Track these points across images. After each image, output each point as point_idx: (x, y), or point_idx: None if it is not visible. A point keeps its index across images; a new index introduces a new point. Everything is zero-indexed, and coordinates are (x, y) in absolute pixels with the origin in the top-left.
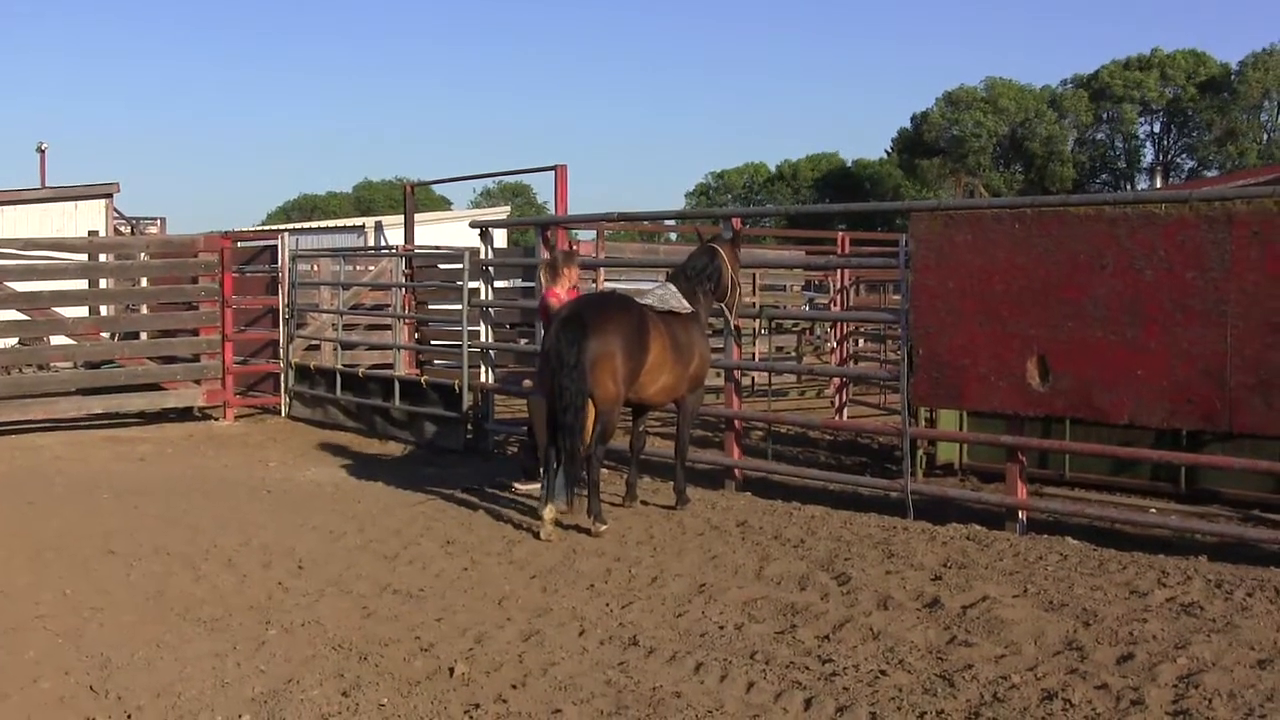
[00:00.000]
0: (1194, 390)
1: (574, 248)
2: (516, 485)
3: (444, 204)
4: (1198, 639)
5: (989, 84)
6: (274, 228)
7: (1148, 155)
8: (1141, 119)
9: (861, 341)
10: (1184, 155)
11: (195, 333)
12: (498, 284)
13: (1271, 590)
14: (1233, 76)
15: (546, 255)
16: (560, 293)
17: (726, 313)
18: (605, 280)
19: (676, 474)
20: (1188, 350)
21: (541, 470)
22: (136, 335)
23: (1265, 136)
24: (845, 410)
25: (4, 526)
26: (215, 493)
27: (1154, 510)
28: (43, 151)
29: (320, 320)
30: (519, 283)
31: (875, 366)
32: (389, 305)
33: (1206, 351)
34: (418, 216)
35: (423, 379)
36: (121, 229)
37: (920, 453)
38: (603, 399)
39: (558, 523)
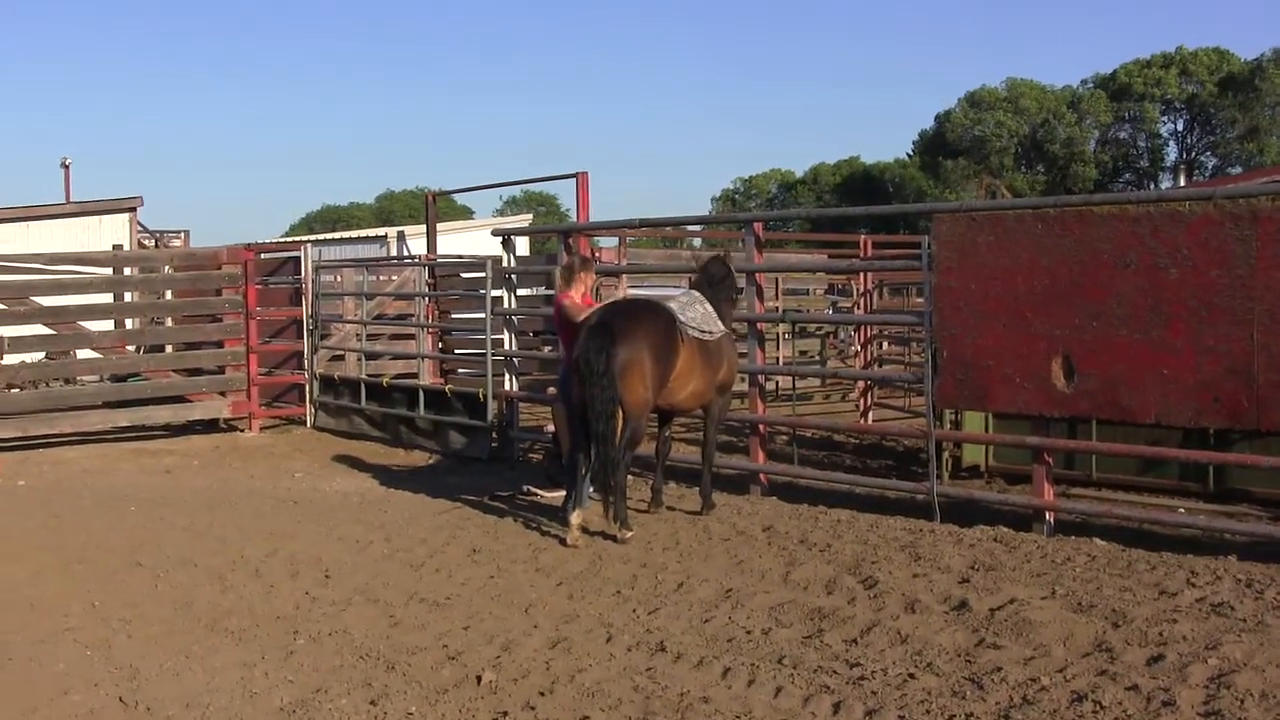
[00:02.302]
0: (1221, 388)
1: (596, 255)
2: (540, 492)
3: (466, 213)
4: (1228, 639)
5: (1010, 84)
6: (297, 239)
7: (1171, 154)
8: (1164, 117)
9: (885, 344)
10: (1207, 153)
11: (220, 345)
12: (521, 292)
13: None
14: (1254, 74)
15: (564, 259)
16: (575, 296)
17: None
18: (628, 287)
19: (703, 479)
20: (1214, 348)
21: (567, 477)
22: (162, 348)
23: None
24: (870, 413)
25: (32, 540)
26: (242, 504)
27: (1182, 510)
28: (67, 167)
29: (344, 331)
30: (542, 290)
31: (899, 369)
32: (412, 315)
33: (1233, 349)
34: (440, 226)
35: (447, 388)
36: (145, 242)
37: (946, 455)
38: (632, 406)
39: (584, 529)
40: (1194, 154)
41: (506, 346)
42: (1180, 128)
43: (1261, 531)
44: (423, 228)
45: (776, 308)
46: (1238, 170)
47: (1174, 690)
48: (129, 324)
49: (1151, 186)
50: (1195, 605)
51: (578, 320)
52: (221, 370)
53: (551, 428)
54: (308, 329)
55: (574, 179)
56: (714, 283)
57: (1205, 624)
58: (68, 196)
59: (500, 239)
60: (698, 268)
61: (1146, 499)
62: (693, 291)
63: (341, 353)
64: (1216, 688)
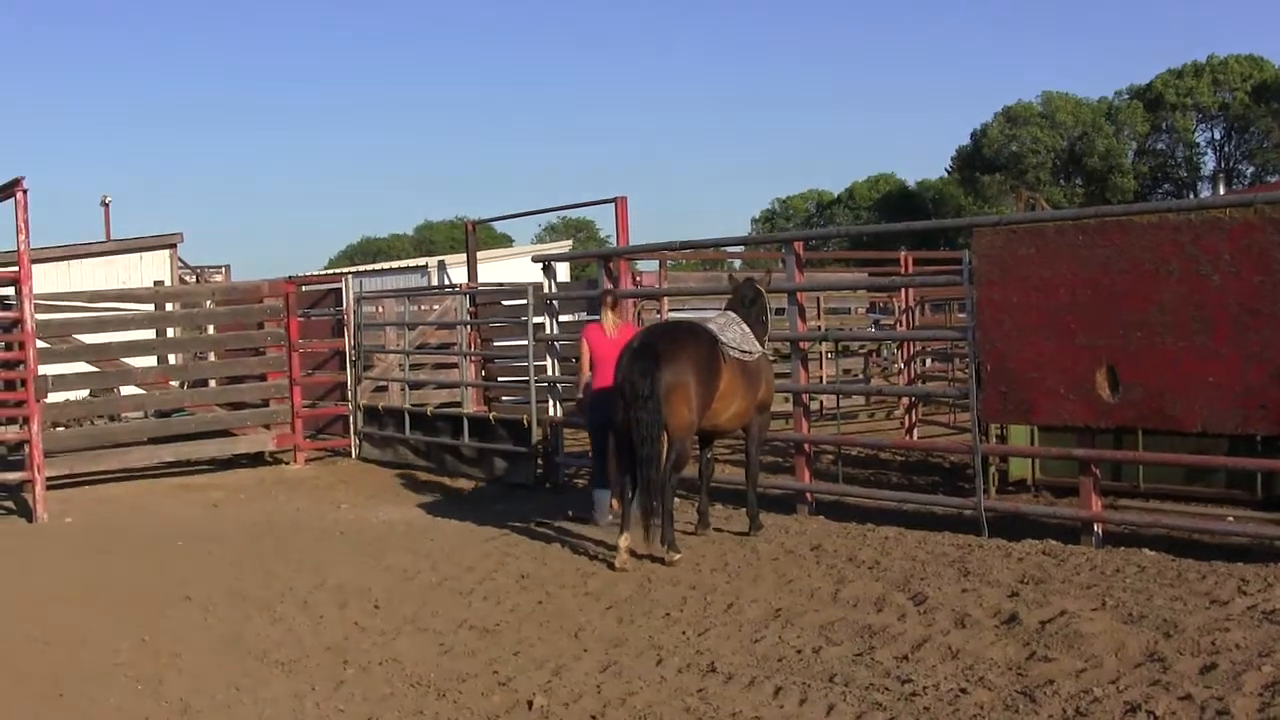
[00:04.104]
0: (1267, 394)
1: (637, 279)
2: (584, 516)
3: (506, 241)
4: None
5: (1045, 98)
6: (337, 271)
7: (1209, 163)
8: (1201, 126)
9: (929, 361)
10: (1244, 161)
11: (263, 378)
12: (562, 318)
13: None
14: None
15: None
16: (607, 325)
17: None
18: (669, 309)
19: (749, 499)
20: (1259, 354)
21: (617, 502)
22: (205, 382)
23: None
24: (915, 430)
25: (81, 577)
26: (288, 536)
27: (1231, 518)
28: (106, 205)
29: (387, 361)
30: (583, 316)
31: (943, 385)
32: (455, 343)
33: (1277, 355)
34: (480, 254)
35: (491, 415)
36: (186, 278)
37: (992, 470)
38: (677, 428)
39: (632, 552)
40: (1231, 162)
41: (549, 372)
42: (1217, 136)
43: None
44: (463, 257)
45: (819, 326)
46: (1275, 178)
47: (1228, 699)
48: (172, 359)
49: (1191, 196)
50: (1247, 613)
51: (598, 348)
52: (265, 403)
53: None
54: (350, 360)
55: (613, 204)
56: (747, 304)
57: (1257, 631)
58: (108, 234)
59: (541, 265)
60: (731, 290)
61: (1194, 508)
62: (729, 313)
63: (385, 383)
64: (1270, 695)
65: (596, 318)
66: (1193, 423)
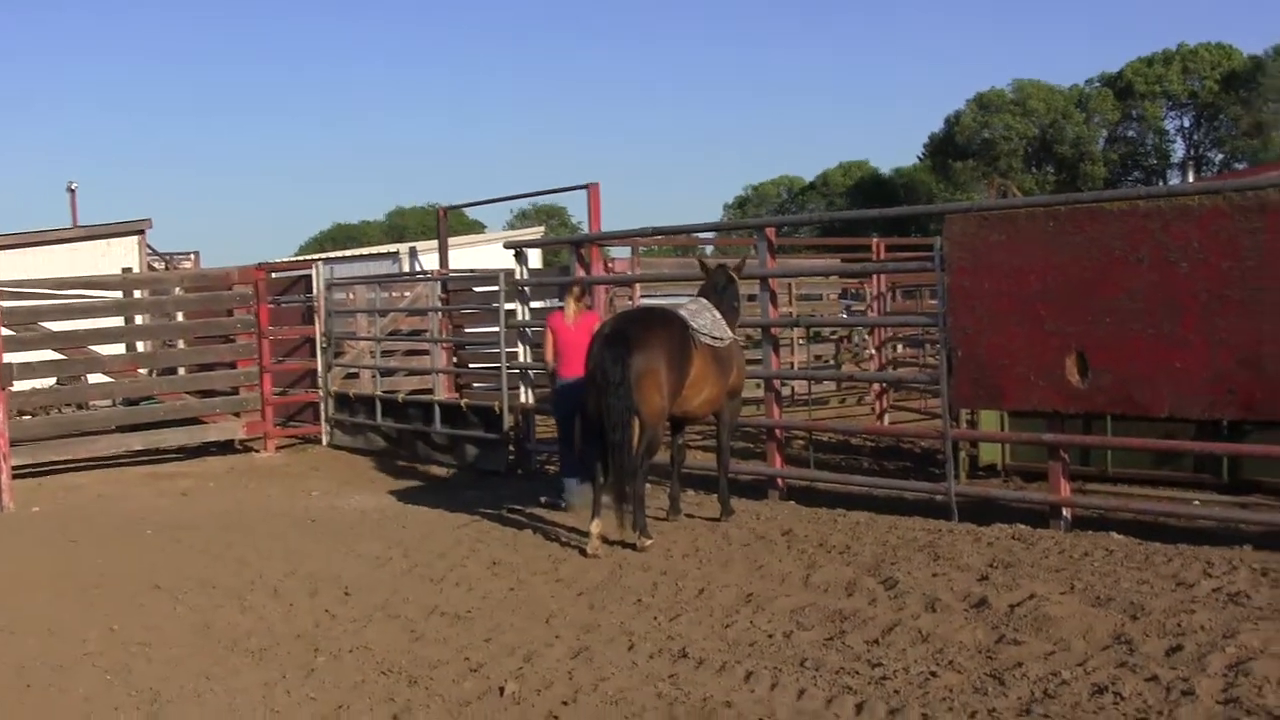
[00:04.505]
0: (1234, 380)
1: (610, 265)
2: (556, 502)
3: (477, 227)
4: (1246, 627)
5: (1017, 86)
6: (308, 257)
7: (1178, 150)
8: (1171, 114)
9: (900, 347)
10: (1213, 149)
11: (233, 365)
12: (534, 304)
13: None
14: (1257, 69)
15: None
16: (568, 314)
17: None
18: (641, 296)
19: (720, 485)
20: (1226, 340)
21: (577, 481)
22: (174, 370)
23: None
24: (886, 416)
25: (49, 566)
26: (259, 524)
27: (1197, 502)
28: (73, 191)
29: (358, 348)
30: (555, 302)
31: (914, 371)
32: (426, 330)
33: (1245, 340)
34: (451, 240)
35: (462, 402)
36: (155, 265)
37: (963, 455)
38: (649, 414)
39: (604, 539)
40: (1200, 150)
41: (521, 359)
42: (1186, 124)
43: (1276, 521)
44: (434, 243)
45: (790, 312)
46: (1243, 166)
47: (1193, 680)
48: (140, 347)
49: (1160, 183)
50: (1212, 595)
51: (560, 336)
52: (235, 391)
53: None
54: (321, 347)
55: (585, 190)
56: (719, 290)
57: (1222, 613)
58: (75, 221)
59: (512, 252)
60: (704, 276)
61: (1162, 492)
62: (701, 299)
63: (356, 370)
64: (1235, 676)
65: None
66: (1161, 408)
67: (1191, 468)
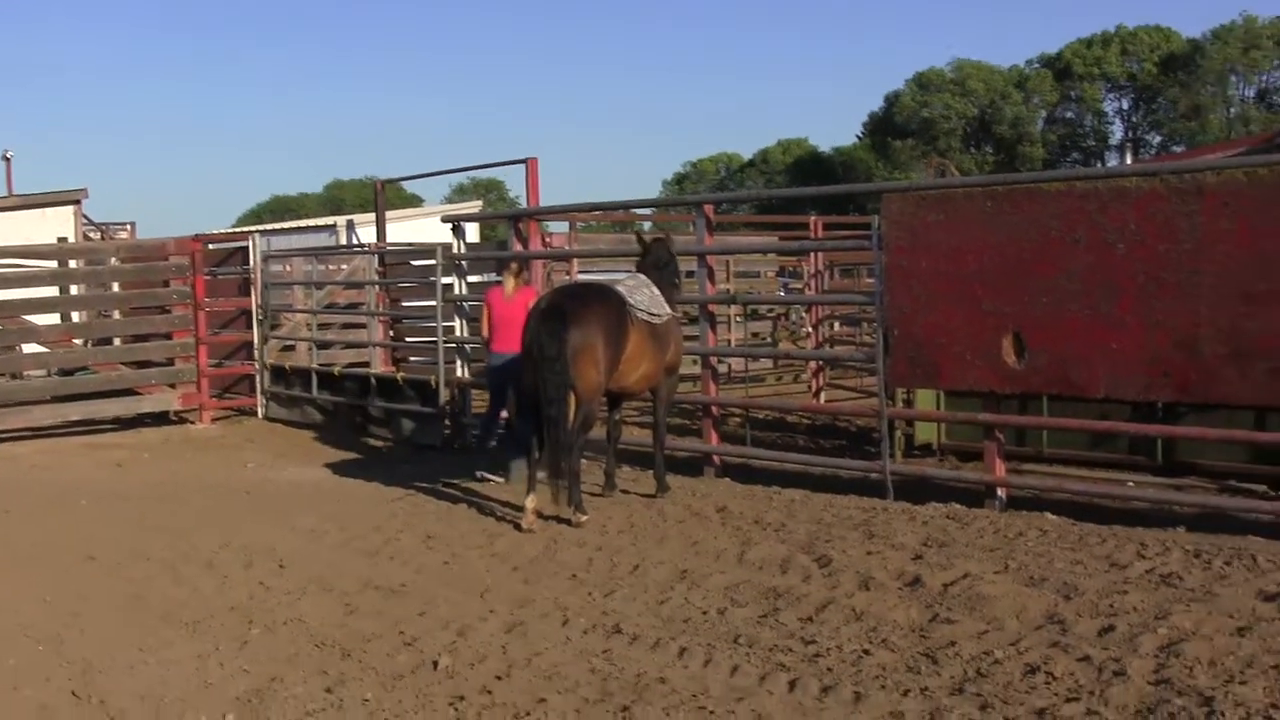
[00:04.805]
0: (1169, 362)
1: (547, 240)
2: (492, 477)
3: (415, 201)
4: (1178, 609)
5: (957, 66)
6: (245, 229)
7: (1117, 132)
8: (1109, 96)
9: (837, 325)
10: (1151, 132)
11: (169, 337)
12: (471, 279)
13: (1249, 558)
14: (1195, 52)
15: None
16: (507, 289)
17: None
18: (579, 271)
19: (656, 461)
20: (1163, 323)
21: (514, 457)
22: (110, 341)
23: (1230, 110)
24: (823, 394)
25: None
26: (194, 496)
27: (1131, 484)
28: (8, 159)
29: (294, 320)
30: (493, 277)
31: (851, 349)
32: (363, 303)
33: (1181, 323)
34: (389, 214)
35: (399, 376)
36: (91, 235)
37: (899, 434)
38: (585, 389)
39: (539, 514)
40: (1138, 132)
41: (458, 333)
42: (1125, 106)
43: (1209, 503)
44: (372, 216)
45: (728, 290)
46: (1181, 148)
47: (1125, 660)
48: (76, 317)
49: (1099, 165)
50: (1145, 576)
51: (496, 310)
52: (171, 362)
53: (504, 415)
54: (257, 319)
55: (523, 164)
56: (659, 266)
57: (1155, 595)
58: (10, 189)
59: (450, 226)
60: (641, 250)
61: (1097, 473)
62: (639, 275)
63: (292, 342)
64: (1166, 657)
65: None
66: (1097, 389)
67: (1126, 449)
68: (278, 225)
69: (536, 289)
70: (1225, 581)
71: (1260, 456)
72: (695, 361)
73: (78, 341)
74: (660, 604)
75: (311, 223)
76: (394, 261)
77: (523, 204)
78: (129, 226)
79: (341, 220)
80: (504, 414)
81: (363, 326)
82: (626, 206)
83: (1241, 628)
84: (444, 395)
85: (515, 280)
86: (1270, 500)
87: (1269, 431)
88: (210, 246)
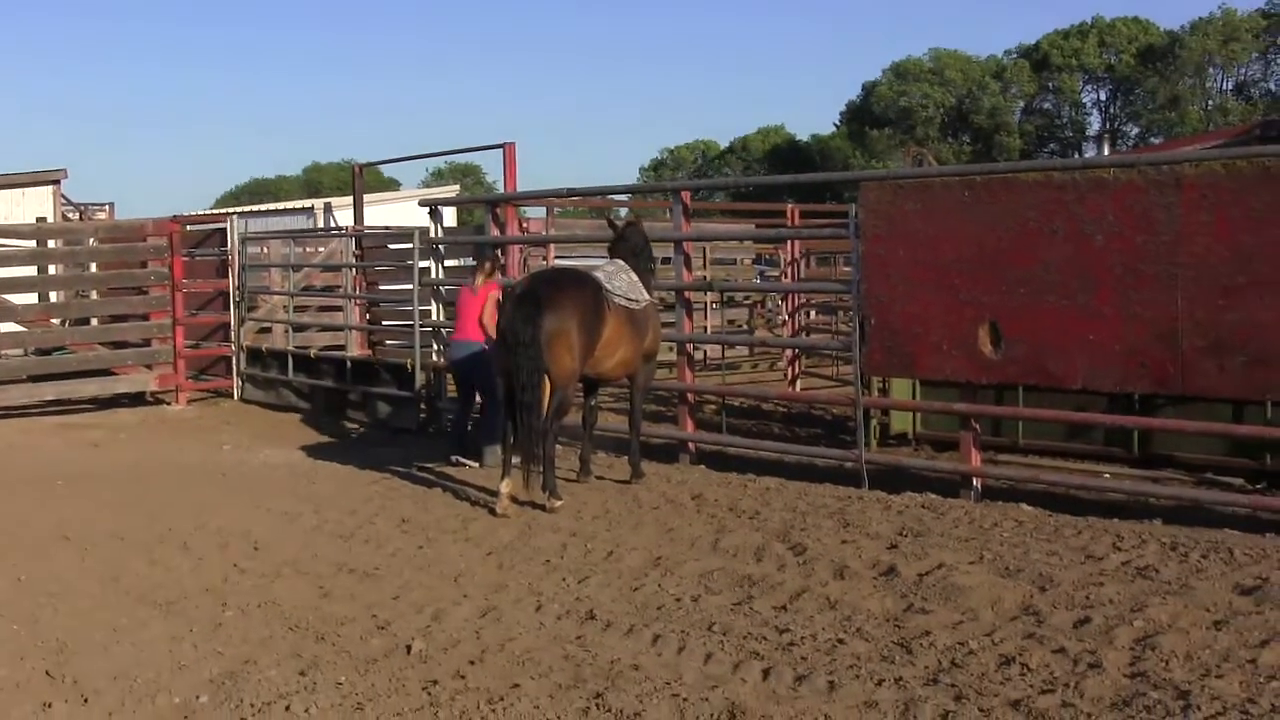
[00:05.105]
0: (1146, 354)
1: (524, 225)
2: (468, 461)
3: (393, 185)
4: (1153, 601)
5: (935, 55)
6: (223, 211)
7: (1094, 124)
8: (1087, 87)
9: (813, 313)
10: (1129, 123)
11: (146, 317)
12: (448, 263)
13: (1225, 552)
14: (1174, 43)
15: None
16: (476, 284)
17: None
18: (556, 256)
19: (632, 448)
20: (1140, 314)
21: (500, 447)
22: (87, 321)
23: (1208, 102)
24: (799, 382)
25: None
26: (169, 477)
27: (1108, 475)
28: None
29: (271, 303)
30: (469, 261)
31: (827, 338)
32: (340, 286)
33: (1158, 315)
34: (367, 197)
35: (375, 359)
36: (70, 215)
37: (874, 423)
38: (559, 375)
39: (513, 499)
40: (1116, 124)
41: (434, 317)
42: (1103, 98)
43: (1186, 495)
44: (350, 199)
45: (704, 276)
46: (1159, 140)
47: (1100, 653)
48: (53, 297)
49: (1076, 156)
50: (1121, 569)
51: (461, 301)
52: (148, 343)
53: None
54: (234, 301)
55: (501, 149)
56: (635, 252)
57: (1130, 587)
58: None
59: (427, 210)
60: (615, 235)
61: (1073, 464)
62: (618, 260)
63: (269, 325)
64: (1142, 649)
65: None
66: (1073, 380)
67: (1102, 441)
68: (256, 207)
69: (499, 284)
70: (1201, 575)
71: (1237, 449)
72: (671, 348)
73: (55, 321)
74: (634, 590)
75: (289, 205)
76: (371, 245)
77: (500, 189)
78: (108, 207)
79: (319, 203)
80: (477, 399)
81: (339, 309)
82: (604, 193)
83: (1218, 621)
84: (420, 379)
85: (484, 276)
86: (1247, 493)
87: (1246, 424)
88: (188, 228)
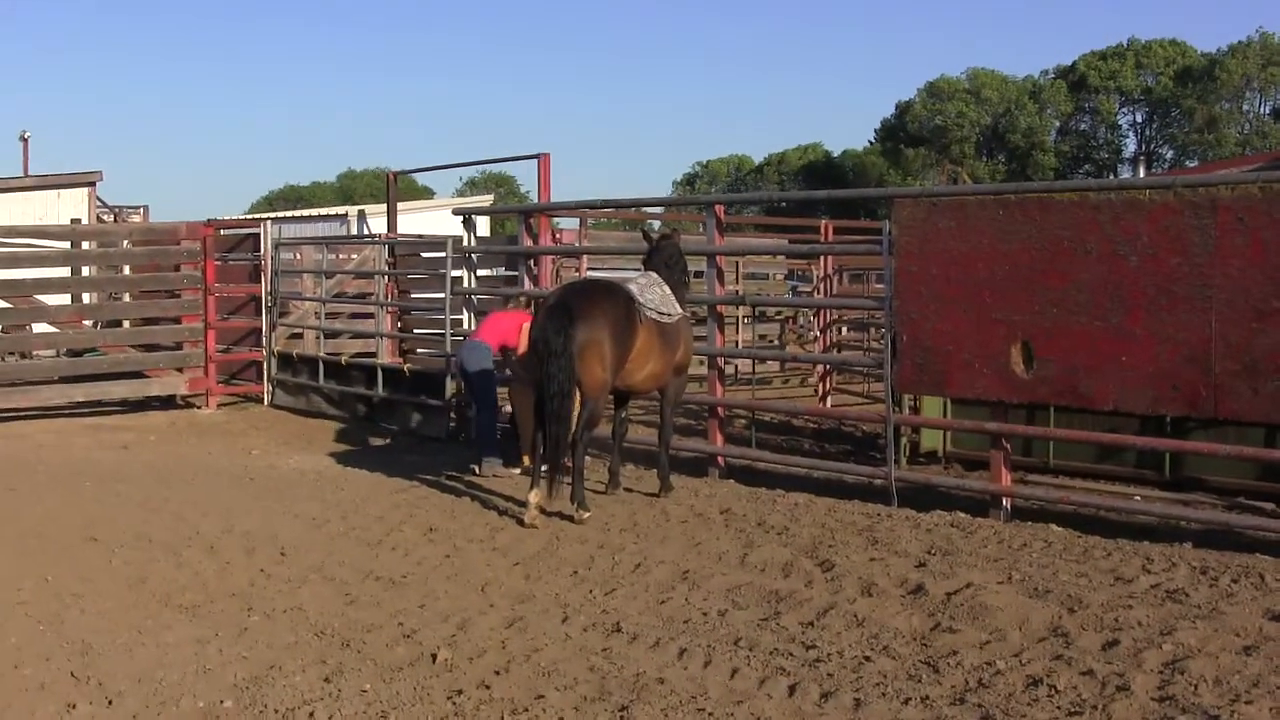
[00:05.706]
0: (1179, 376)
1: (558, 236)
2: (495, 469)
3: (427, 193)
4: (1183, 625)
5: (971, 74)
6: (257, 216)
7: (1130, 145)
8: (1124, 109)
9: (845, 329)
10: (1165, 145)
11: (178, 320)
12: (481, 272)
13: (1256, 576)
14: (1212, 66)
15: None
16: (512, 305)
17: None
18: (588, 268)
19: (660, 461)
20: (1172, 336)
21: (528, 458)
22: (119, 323)
23: (1245, 125)
24: (829, 398)
25: None
26: (198, 480)
27: (1138, 497)
28: (25, 140)
29: (303, 308)
30: (502, 271)
31: (859, 354)
32: (372, 293)
33: (1191, 338)
34: (400, 205)
35: (405, 367)
36: (104, 217)
37: (904, 440)
38: (590, 386)
39: (542, 509)
40: (1152, 146)
41: (466, 326)
42: (1139, 119)
43: (1217, 519)
44: (383, 207)
45: (736, 291)
46: (1194, 163)
47: (1128, 675)
48: (86, 298)
49: (1111, 177)
50: (1150, 591)
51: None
52: (179, 346)
53: (509, 408)
54: (266, 306)
55: (535, 160)
56: (668, 265)
57: (1160, 610)
58: (26, 170)
59: (461, 218)
60: (650, 248)
61: (1103, 486)
62: (651, 273)
63: (300, 330)
64: (1170, 673)
65: (515, 273)
66: (1105, 401)
67: (1134, 463)
68: (290, 213)
69: (526, 315)
70: (1232, 599)
71: (1269, 473)
72: (702, 362)
73: (87, 323)
74: (661, 604)
75: (323, 212)
76: (404, 253)
77: (534, 199)
78: (142, 210)
79: (353, 210)
80: (506, 408)
81: (371, 316)
82: (638, 204)
83: (1248, 646)
84: (450, 388)
85: (518, 305)
86: (1278, 518)
87: (1279, 449)
88: (222, 232)
